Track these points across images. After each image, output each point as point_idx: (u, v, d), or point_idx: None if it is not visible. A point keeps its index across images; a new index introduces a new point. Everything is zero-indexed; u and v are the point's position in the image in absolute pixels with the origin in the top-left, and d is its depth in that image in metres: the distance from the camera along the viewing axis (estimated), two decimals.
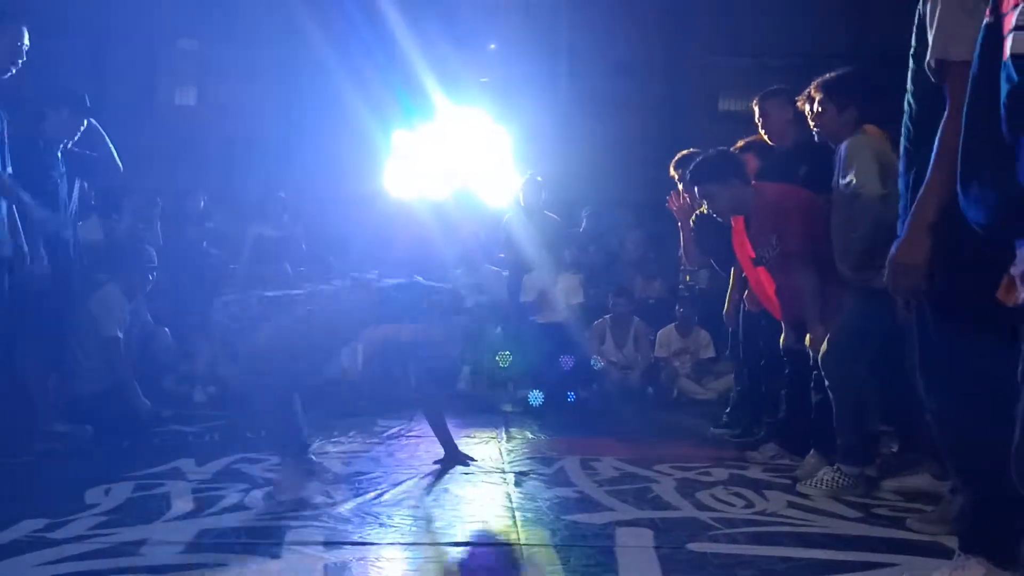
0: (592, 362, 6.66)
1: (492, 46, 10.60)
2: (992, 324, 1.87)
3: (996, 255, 1.73)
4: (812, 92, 3.62)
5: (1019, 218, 1.62)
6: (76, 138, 4.50)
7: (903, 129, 2.40)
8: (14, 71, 3.99)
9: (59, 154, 4.44)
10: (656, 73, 10.78)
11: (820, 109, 3.57)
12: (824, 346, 3.52)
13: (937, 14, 2.13)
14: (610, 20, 10.54)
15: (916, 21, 2.29)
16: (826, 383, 3.54)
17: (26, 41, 3.98)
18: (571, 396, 6.25)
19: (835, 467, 3.46)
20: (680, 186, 4.87)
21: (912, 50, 2.33)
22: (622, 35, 10.58)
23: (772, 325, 4.20)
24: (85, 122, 4.51)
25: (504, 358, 6.48)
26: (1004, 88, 1.54)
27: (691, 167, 4.11)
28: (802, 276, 3.71)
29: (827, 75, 3.62)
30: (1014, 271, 1.68)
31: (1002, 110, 1.55)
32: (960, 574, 2.18)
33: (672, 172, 4.91)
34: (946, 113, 2.09)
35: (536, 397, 6.00)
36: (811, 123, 3.67)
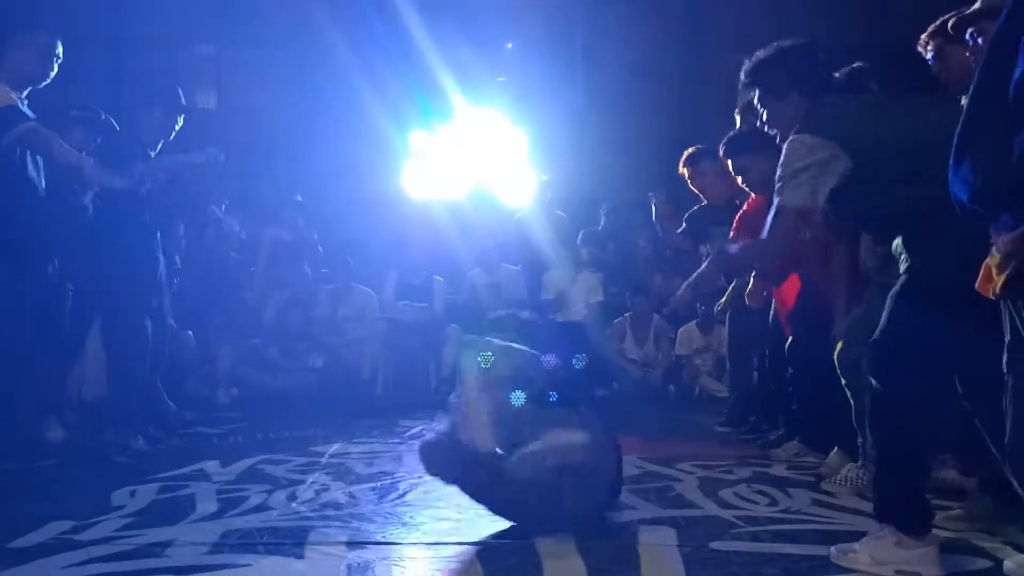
0: (574, 361, 6.62)
1: (509, 45, 10.60)
2: (968, 315, 2.01)
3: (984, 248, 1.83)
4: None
5: (995, 199, 1.70)
6: (172, 137, 4.46)
7: None
8: (46, 82, 4.00)
9: (155, 156, 4.38)
10: (674, 72, 10.72)
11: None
12: (840, 344, 3.49)
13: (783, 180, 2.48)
14: (627, 19, 10.50)
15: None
16: (842, 381, 3.51)
17: (59, 52, 3.98)
18: (553, 396, 6.18)
19: (859, 464, 3.44)
20: (689, 182, 4.89)
21: None
22: (639, 34, 10.54)
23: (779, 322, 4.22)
24: (181, 119, 4.45)
25: (486, 359, 6.45)
26: (1021, 66, 1.58)
27: (726, 139, 4.07)
28: (840, 260, 3.66)
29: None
30: (991, 261, 1.73)
31: (1011, 88, 1.59)
32: (874, 544, 2.40)
33: (681, 169, 4.91)
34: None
35: (518, 398, 5.96)
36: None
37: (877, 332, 2.48)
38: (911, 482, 2.44)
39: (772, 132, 2.80)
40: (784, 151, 2.52)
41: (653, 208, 5.10)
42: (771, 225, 2.53)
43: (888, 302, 2.48)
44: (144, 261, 4.29)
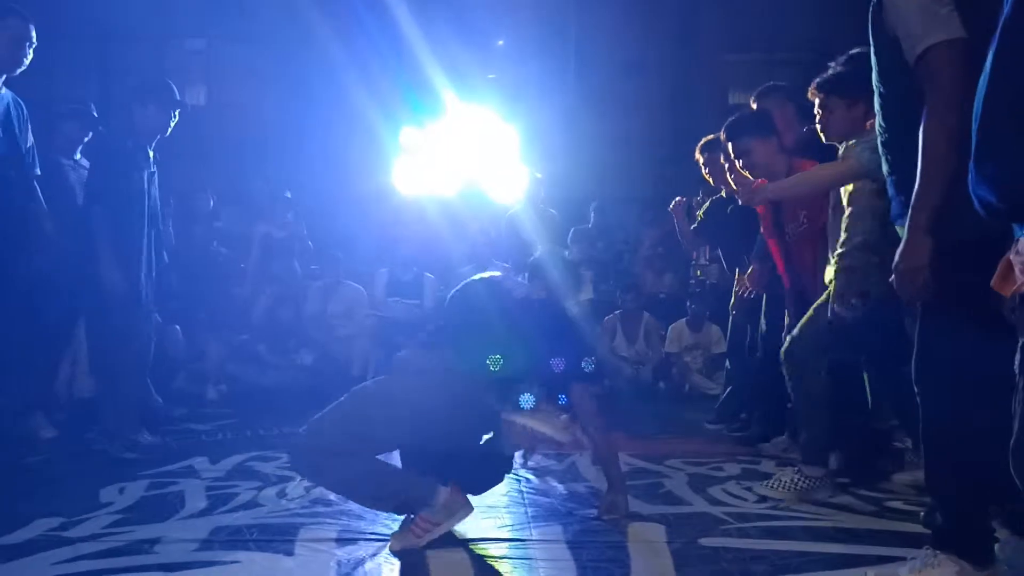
0: (583, 364, 6.59)
1: (500, 43, 10.59)
2: (986, 321, 1.88)
3: (992, 252, 1.71)
4: (812, 94, 3.57)
5: None
6: (168, 133, 4.32)
7: (878, 130, 2.38)
8: (20, 69, 3.89)
9: (151, 152, 4.27)
10: (665, 70, 10.74)
11: (825, 109, 3.51)
12: (788, 341, 3.46)
13: (901, 14, 2.14)
14: (618, 17, 10.51)
15: (870, 26, 2.30)
16: (785, 376, 3.47)
17: (32, 37, 3.86)
18: (562, 399, 6.07)
19: (796, 468, 3.36)
20: (704, 170, 4.87)
21: (872, 50, 2.32)
22: (630, 32, 10.54)
23: (775, 317, 4.22)
24: (176, 114, 4.31)
25: (495, 361, 6.43)
26: None
27: (728, 122, 4.01)
28: (814, 256, 3.69)
29: (826, 74, 3.58)
30: (1013, 258, 1.64)
31: None
32: (932, 572, 2.18)
33: (697, 156, 4.89)
34: (926, 110, 2.07)
35: (527, 400, 5.89)
36: (818, 127, 3.60)
37: (917, 350, 2.28)
38: (981, 506, 2.22)
39: None
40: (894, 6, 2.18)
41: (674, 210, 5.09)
42: (929, 75, 2.08)
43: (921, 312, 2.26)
44: (132, 257, 4.19)
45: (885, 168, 2.36)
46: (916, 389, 2.28)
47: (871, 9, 2.27)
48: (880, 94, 2.32)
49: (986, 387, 1.96)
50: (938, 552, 2.19)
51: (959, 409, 2.16)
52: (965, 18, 2.04)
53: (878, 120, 2.36)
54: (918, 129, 2.08)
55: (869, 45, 2.34)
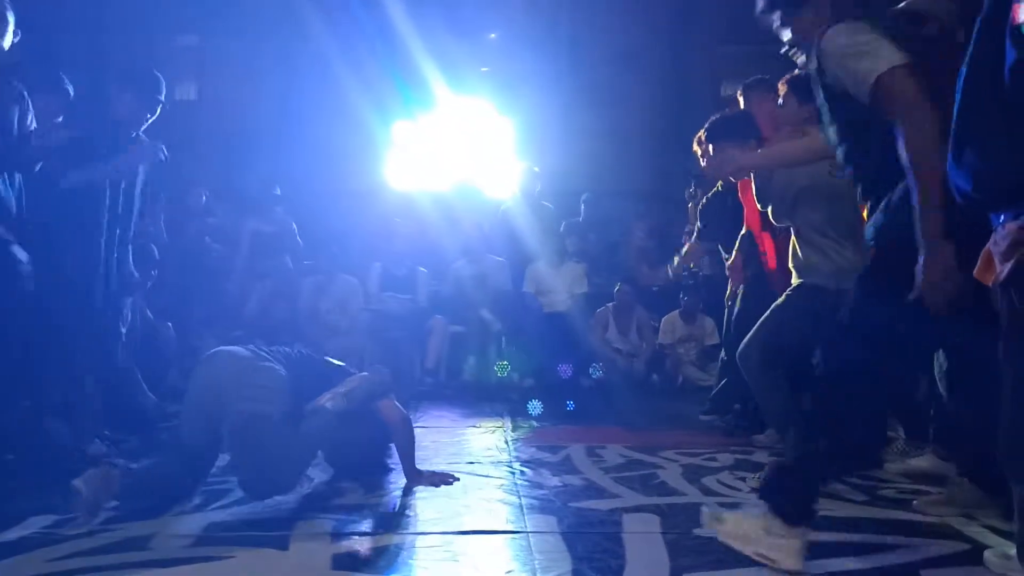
0: (591, 371, 6.61)
1: (493, 35, 10.56)
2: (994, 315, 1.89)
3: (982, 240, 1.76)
4: (779, 88, 3.63)
5: (1003, 189, 1.63)
6: (143, 127, 4.09)
7: (847, 173, 2.48)
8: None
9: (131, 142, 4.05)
10: (659, 62, 10.72)
11: (781, 102, 3.55)
12: (747, 340, 3.48)
13: (842, 65, 2.27)
14: (612, 9, 10.49)
15: (821, 91, 2.41)
16: (748, 381, 3.53)
17: (10, 23, 3.56)
18: (570, 405, 6.07)
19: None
20: (703, 161, 4.86)
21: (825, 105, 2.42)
22: (624, 24, 10.53)
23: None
24: (158, 110, 4.09)
25: (502, 367, 6.46)
26: (1011, 55, 1.54)
27: (709, 123, 4.06)
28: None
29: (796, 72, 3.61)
30: (993, 248, 1.67)
31: (1007, 75, 1.55)
32: (746, 520, 2.35)
33: (695, 148, 4.88)
34: (899, 126, 2.14)
35: (535, 407, 5.90)
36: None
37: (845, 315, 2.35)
38: (815, 474, 2.36)
39: (798, 50, 2.64)
40: (829, 44, 2.30)
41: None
42: (885, 99, 2.18)
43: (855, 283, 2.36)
44: (81, 261, 3.95)
45: (860, 198, 2.44)
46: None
47: (813, 78, 2.41)
48: (845, 142, 2.42)
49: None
50: (760, 503, 2.33)
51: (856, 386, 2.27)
52: (897, 46, 2.19)
53: (842, 163, 2.47)
54: (893, 151, 2.15)
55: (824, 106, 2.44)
